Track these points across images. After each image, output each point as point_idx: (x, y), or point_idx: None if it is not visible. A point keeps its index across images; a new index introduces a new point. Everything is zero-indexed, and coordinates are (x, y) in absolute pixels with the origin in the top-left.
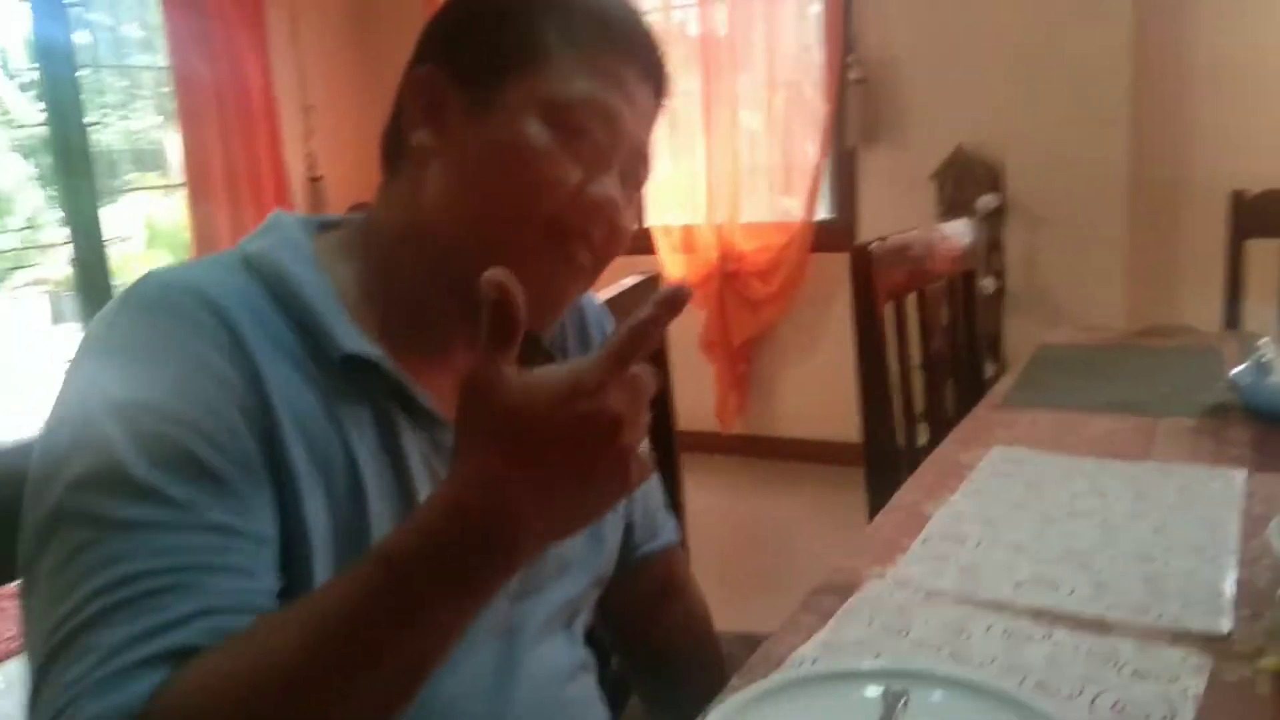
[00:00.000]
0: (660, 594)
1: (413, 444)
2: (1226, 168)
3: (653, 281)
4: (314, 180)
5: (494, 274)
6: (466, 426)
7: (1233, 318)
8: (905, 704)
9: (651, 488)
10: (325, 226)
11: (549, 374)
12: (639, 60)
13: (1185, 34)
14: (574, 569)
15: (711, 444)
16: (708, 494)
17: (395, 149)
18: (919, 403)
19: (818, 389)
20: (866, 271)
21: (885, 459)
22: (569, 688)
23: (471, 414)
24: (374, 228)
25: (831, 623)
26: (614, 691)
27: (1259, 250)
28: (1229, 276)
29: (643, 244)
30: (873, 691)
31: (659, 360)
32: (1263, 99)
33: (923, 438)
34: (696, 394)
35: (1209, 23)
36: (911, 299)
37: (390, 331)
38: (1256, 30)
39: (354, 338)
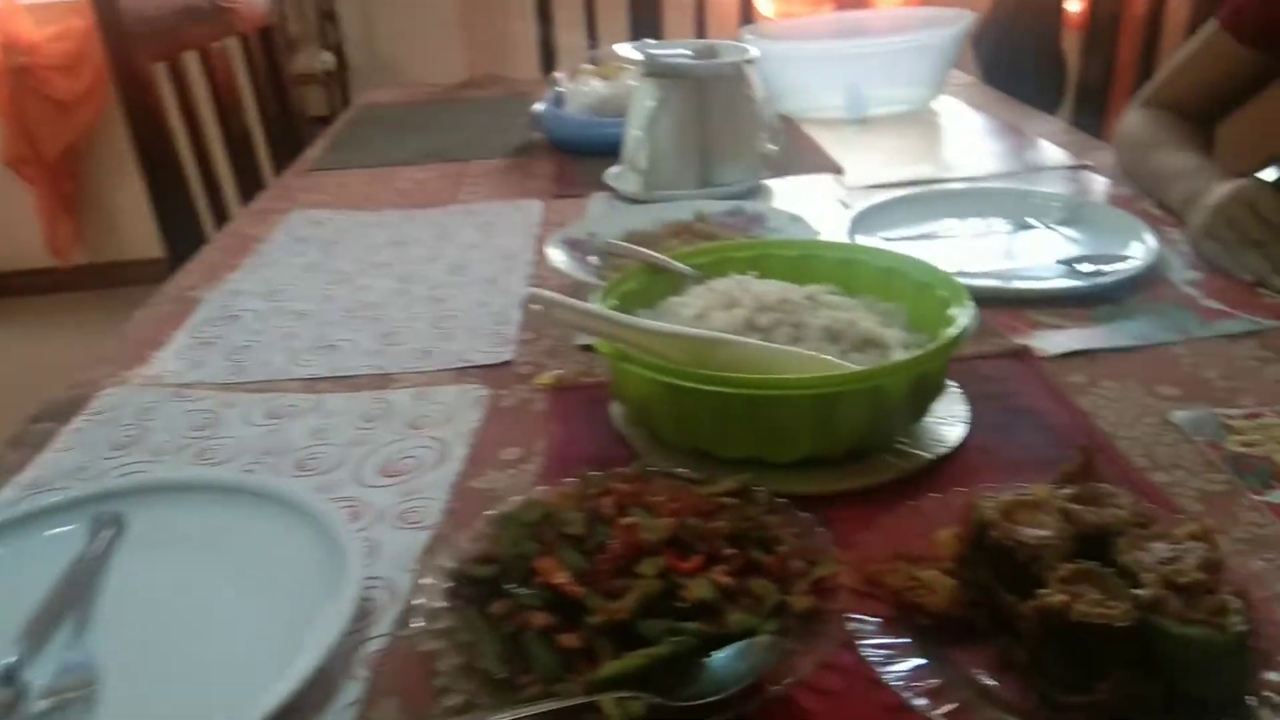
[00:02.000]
0: None
1: None
2: None
3: None
4: None
5: None
6: None
7: (548, 63)
8: (118, 530)
9: None
10: None
11: None
12: None
13: None
14: None
15: (49, 283)
16: (47, 343)
17: None
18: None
19: None
20: (115, 25)
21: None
22: None
23: None
24: None
25: (43, 454)
26: None
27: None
28: (539, 19)
29: None
30: (77, 526)
31: None
32: None
33: None
34: (15, 226)
35: None
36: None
37: None
38: None
39: None
